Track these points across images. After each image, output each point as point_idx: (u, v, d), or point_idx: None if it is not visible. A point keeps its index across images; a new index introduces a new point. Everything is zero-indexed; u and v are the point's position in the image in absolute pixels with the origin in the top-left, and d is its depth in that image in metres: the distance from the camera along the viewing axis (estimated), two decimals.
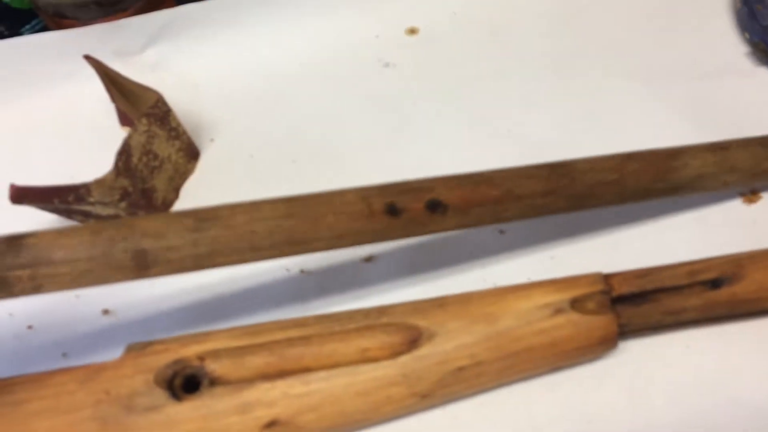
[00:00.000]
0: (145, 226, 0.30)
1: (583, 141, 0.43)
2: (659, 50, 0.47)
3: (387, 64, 0.49)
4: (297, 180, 0.43)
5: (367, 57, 0.50)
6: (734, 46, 0.47)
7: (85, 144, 0.46)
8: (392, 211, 0.32)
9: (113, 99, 0.44)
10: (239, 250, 0.31)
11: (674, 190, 0.37)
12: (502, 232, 0.40)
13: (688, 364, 0.34)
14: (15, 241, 0.29)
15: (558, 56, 0.48)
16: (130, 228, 0.30)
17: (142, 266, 0.30)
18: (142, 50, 0.50)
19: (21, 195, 0.36)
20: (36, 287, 0.29)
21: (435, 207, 0.33)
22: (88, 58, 0.42)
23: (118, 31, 0.50)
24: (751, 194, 0.40)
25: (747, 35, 0.46)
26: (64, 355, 0.37)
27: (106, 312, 0.39)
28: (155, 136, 0.41)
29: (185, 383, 0.32)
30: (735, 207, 0.40)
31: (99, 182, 0.37)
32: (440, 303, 0.33)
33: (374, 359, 0.32)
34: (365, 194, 0.32)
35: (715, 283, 0.32)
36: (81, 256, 0.29)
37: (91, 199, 0.38)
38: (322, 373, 0.31)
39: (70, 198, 0.37)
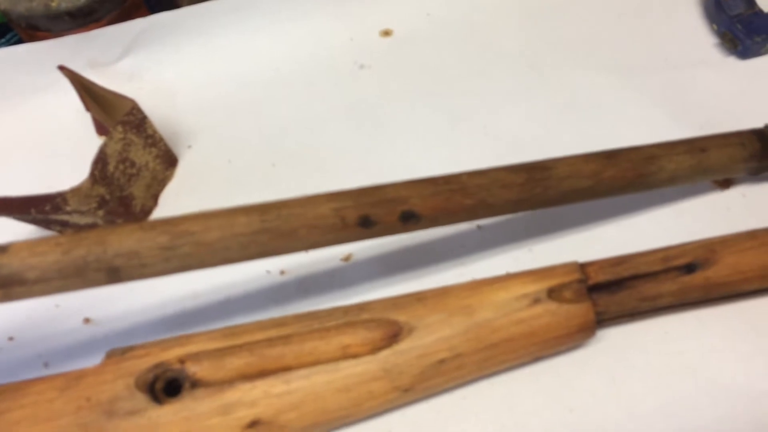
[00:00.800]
0: (118, 244, 0.29)
1: (560, 134, 0.44)
2: (631, 43, 0.48)
3: (362, 66, 0.50)
4: (276, 183, 0.44)
5: (342, 60, 0.50)
6: (703, 37, 0.48)
7: (62, 155, 0.46)
8: (366, 223, 0.32)
9: (88, 108, 0.44)
10: (211, 263, 0.31)
11: (646, 189, 0.37)
12: (479, 227, 0.40)
13: (667, 350, 0.34)
14: None
15: (533, 52, 0.49)
16: (101, 245, 0.29)
17: (114, 279, 0.30)
18: (117, 60, 0.50)
19: None
20: (9, 300, 0.29)
21: (408, 218, 0.33)
22: (62, 68, 0.42)
23: (92, 42, 0.50)
24: (723, 181, 0.40)
25: (715, 26, 0.47)
26: (46, 364, 0.37)
27: (87, 321, 0.39)
28: (132, 144, 0.41)
29: (166, 387, 0.32)
30: (709, 194, 0.40)
31: (75, 191, 0.37)
32: (419, 297, 0.33)
33: (355, 355, 0.32)
34: (339, 206, 0.32)
35: (688, 268, 0.33)
36: (53, 276, 0.29)
37: (68, 208, 0.38)
38: (303, 371, 0.31)
39: (47, 208, 0.37)
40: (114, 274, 0.30)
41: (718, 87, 0.44)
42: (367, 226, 0.32)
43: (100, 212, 0.39)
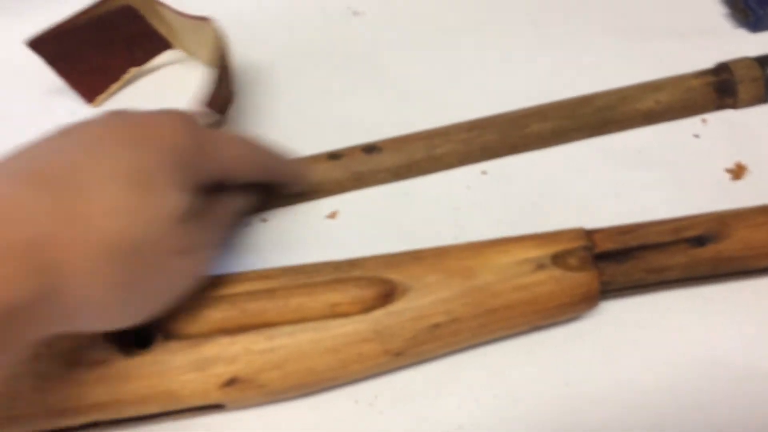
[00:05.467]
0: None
1: (558, 95, 0.41)
2: (637, 6, 0.46)
3: (356, 13, 0.47)
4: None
5: (335, 5, 0.47)
6: (713, 6, 0.46)
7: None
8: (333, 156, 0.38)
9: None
10: None
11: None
12: (468, 187, 0.38)
13: (669, 327, 0.33)
14: None
15: (535, 9, 0.46)
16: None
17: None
18: None
19: None
20: None
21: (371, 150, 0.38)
22: None
23: None
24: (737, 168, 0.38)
25: None
26: None
27: None
28: None
29: (136, 338, 0.29)
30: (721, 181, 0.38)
31: None
32: (416, 256, 0.31)
33: (344, 314, 0.29)
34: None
35: (699, 241, 0.31)
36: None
37: None
38: (287, 328, 0.29)
39: None
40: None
41: (725, 59, 0.42)
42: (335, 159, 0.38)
43: None
